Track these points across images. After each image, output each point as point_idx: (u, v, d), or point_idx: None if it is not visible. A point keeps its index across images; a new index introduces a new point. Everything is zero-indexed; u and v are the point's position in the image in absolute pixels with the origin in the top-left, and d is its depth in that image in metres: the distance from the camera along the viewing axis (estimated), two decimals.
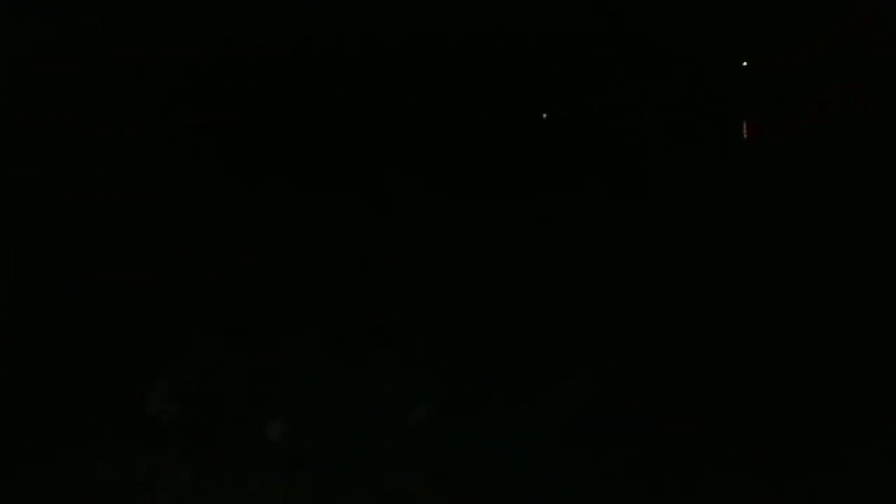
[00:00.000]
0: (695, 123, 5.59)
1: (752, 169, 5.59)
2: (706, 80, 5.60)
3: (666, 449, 4.80)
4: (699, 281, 5.32)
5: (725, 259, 5.37)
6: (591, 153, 5.61)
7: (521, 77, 5.62)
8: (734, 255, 5.37)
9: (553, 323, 5.23)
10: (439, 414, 4.96)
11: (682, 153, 5.57)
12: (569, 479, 4.64)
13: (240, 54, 5.54)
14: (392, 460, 4.78)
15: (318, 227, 5.46)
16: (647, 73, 5.58)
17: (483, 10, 5.51)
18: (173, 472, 4.74)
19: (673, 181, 5.53)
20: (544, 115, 5.49)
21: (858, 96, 5.47)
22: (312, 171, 5.54)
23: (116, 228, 5.41)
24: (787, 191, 5.50)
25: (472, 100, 5.61)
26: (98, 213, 5.41)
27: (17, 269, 5.34)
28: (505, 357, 5.13)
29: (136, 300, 5.28)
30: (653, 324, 5.21)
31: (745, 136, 5.61)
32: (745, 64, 5.41)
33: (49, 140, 5.45)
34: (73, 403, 4.98)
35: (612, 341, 5.16)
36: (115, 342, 5.13)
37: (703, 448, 4.82)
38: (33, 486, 4.63)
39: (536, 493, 4.62)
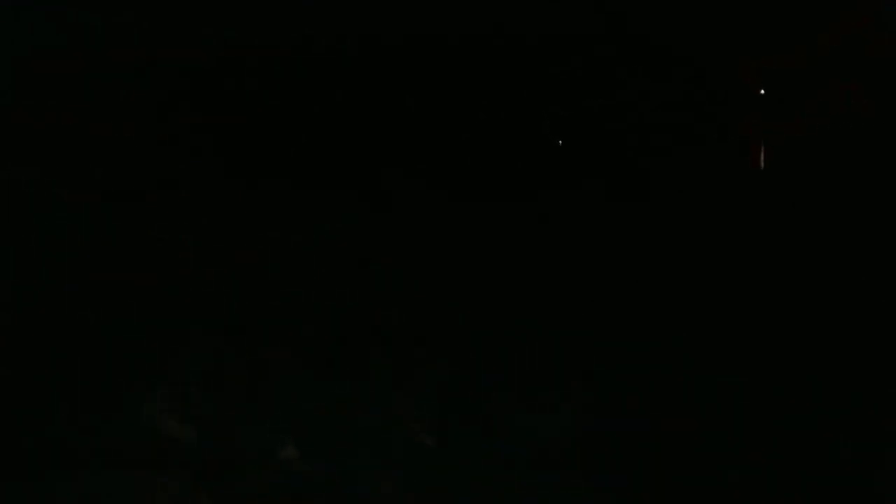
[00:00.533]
0: (694, 124, 5.59)
1: (751, 169, 5.59)
2: (705, 81, 5.60)
3: (667, 469, 4.77)
4: (699, 283, 5.31)
5: (726, 261, 5.36)
6: (591, 153, 5.61)
7: (521, 77, 5.62)
8: (735, 256, 5.37)
9: (554, 327, 5.21)
10: (440, 421, 4.95)
11: (682, 153, 5.57)
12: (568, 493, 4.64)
13: (240, 54, 5.54)
14: (393, 473, 4.76)
15: (318, 228, 5.46)
16: (647, 73, 5.58)
17: (483, 10, 5.52)
18: (175, 491, 4.71)
19: (672, 182, 5.53)
20: (560, 142, 5.50)
21: (858, 96, 5.47)
22: (313, 171, 5.54)
23: (116, 228, 5.41)
24: (786, 191, 5.50)
25: (472, 100, 5.61)
26: (98, 213, 5.41)
27: (18, 269, 5.34)
28: (504, 362, 5.11)
29: (136, 302, 5.27)
30: (658, 330, 5.19)
31: (744, 136, 5.61)
32: (762, 92, 5.41)
33: (49, 140, 5.45)
34: (72, 413, 4.97)
35: (614, 345, 5.15)
36: (116, 347, 5.12)
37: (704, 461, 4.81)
38: None
39: None
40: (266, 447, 4.85)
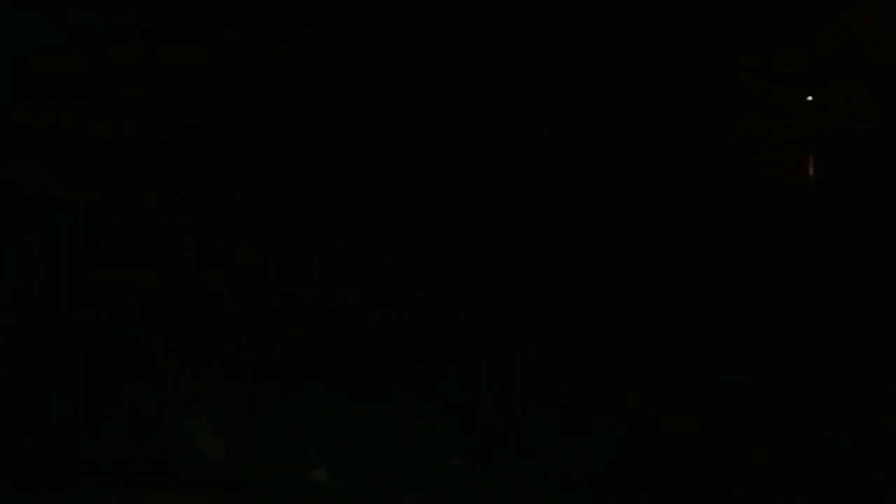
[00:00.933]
0: (693, 124, 5.58)
1: (751, 169, 5.59)
2: (705, 81, 5.59)
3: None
4: (702, 290, 5.30)
5: (729, 270, 5.34)
6: (594, 154, 5.60)
7: (522, 77, 5.61)
8: (736, 263, 5.36)
9: (583, 342, 5.17)
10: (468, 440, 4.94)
11: (682, 154, 5.56)
12: None
13: (240, 54, 5.53)
14: (421, 493, 4.75)
15: (320, 228, 5.46)
16: (646, 73, 5.58)
17: (483, 10, 5.51)
18: None
19: (673, 184, 5.52)
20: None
21: (858, 96, 5.47)
22: (314, 171, 5.54)
23: (117, 229, 5.41)
24: (786, 191, 5.50)
25: (472, 100, 5.60)
26: (98, 213, 5.41)
27: (18, 269, 5.34)
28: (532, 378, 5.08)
29: (138, 305, 5.27)
30: (691, 346, 5.16)
31: (744, 136, 5.61)
32: (809, 98, 5.40)
33: (49, 140, 5.45)
34: (81, 430, 4.95)
35: (650, 362, 5.11)
36: (127, 355, 5.12)
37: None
38: None
39: None
40: (293, 464, 4.85)
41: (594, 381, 5.07)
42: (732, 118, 5.56)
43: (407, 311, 5.28)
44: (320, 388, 5.06)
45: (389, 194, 5.48)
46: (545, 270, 5.35)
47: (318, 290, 5.31)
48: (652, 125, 5.54)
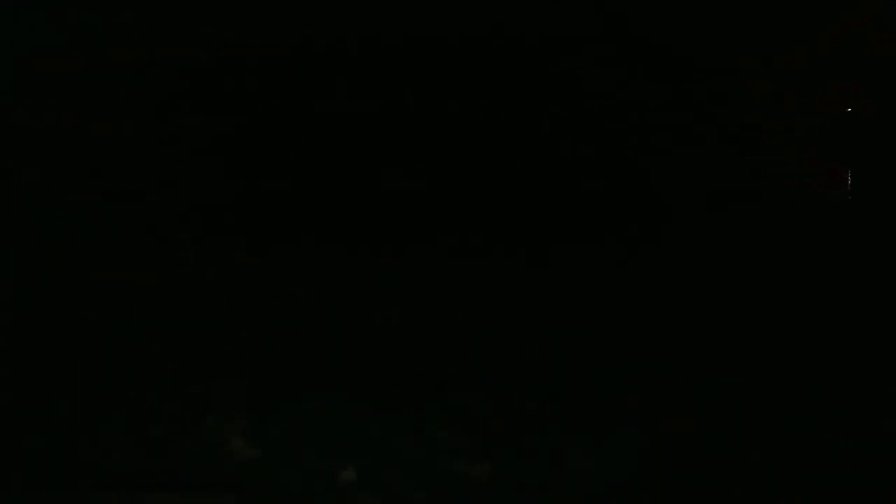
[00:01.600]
0: (693, 124, 5.58)
1: (750, 169, 5.59)
2: (705, 81, 5.59)
3: None
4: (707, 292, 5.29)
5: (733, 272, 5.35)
6: (595, 154, 5.60)
7: (522, 77, 5.62)
8: (737, 265, 5.37)
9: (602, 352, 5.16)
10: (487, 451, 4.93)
11: (682, 154, 5.56)
12: None
13: (240, 54, 5.54)
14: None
15: (321, 227, 5.46)
16: (645, 73, 5.58)
17: (483, 10, 5.52)
18: None
19: (674, 184, 5.52)
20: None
21: (858, 96, 5.47)
22: (314, 171, 5.54)
23: (117, 229, 5.41)
24: (785, 192, 5.50)
25: (472, 101, 5.61)
26: (98, 213, 5.41)
27: (18, 269, 5.34)
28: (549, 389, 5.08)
29: (142, 305, 5.27)
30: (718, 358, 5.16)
31: (744, 135, 5.61)
32: (849, 110, 5.39)
33: (49, 140, 5.45)
34: (82, 430, 4.95)
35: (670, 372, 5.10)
36: (128, 355, 5.12)
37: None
38: None
39: None
40: (294, 466, 4.85)
41: (597, 383, 5.07)
42: (731, 117, 5.57)
43: (410, 315, 5.29)
44: (322, 391, 5.07)
45: (393, 195, 5.49)
46: (547, 273, 5.36)
47: (324, 293, 5.32)
48: (653, 125, 5.55)
